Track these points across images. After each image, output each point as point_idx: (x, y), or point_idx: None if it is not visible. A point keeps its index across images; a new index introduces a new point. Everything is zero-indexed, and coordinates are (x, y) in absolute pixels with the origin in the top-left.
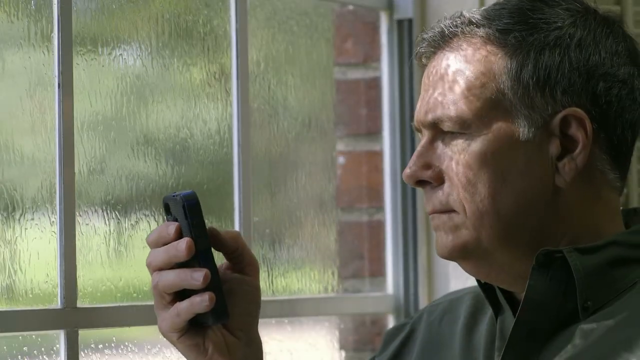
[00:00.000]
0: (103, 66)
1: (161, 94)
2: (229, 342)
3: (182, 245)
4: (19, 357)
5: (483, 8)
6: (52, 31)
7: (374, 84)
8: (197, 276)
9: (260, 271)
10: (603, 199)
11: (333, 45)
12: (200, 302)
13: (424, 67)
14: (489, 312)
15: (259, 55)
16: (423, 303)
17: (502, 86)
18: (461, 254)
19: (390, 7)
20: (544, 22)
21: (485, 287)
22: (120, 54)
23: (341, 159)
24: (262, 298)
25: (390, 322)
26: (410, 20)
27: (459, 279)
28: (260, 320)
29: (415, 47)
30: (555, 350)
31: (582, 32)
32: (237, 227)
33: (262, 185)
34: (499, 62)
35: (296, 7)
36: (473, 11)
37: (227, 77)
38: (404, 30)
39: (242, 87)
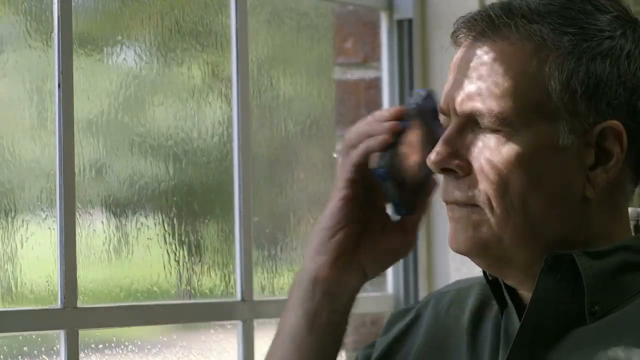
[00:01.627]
0: (103, 66)
1: (161, 94)
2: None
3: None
4: (19, 357)
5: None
6: (52, 31)
7: (374, 84)
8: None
9: (260, 271)
10: (619, 211)
11: (333, 45)
12: (375, 139)
13: (457, 47)
14: (495, 306)
15: (259, 55)
16: None
17: (549, 89)
18: (480, 251)
19: (390, 7)
20: (597, 29)
21: (492, 281)
22: (120, 54)
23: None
24: (262, 298)
25: None
26: (410, 20)
27: (459, 278)
28: (260, 321)
29: (456, 26)
30: (560, 353)
31: (631, 45)
32: (237, 227)
33: (262, 185)
34: (551, 64)
35: (296, 7)
36: (518, 2)
37: (227, 77)
38: (404, 30)
39: (242, 87)
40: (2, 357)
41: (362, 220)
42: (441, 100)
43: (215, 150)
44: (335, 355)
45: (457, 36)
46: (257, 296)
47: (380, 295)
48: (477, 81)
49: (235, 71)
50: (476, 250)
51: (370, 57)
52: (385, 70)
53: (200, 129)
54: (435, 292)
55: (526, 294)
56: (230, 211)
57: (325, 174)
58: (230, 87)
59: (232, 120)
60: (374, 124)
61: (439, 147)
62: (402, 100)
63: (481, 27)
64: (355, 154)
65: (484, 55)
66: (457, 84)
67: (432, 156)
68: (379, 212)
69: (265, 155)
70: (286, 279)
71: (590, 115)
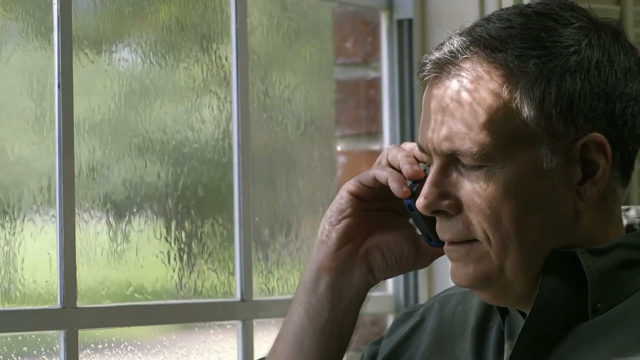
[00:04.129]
0: (103, 66)
1: (161, 94)
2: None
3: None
4: (19, 357)
5: (486, 23)
6: (52, 31)
7: (374, 84)
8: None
9: (260, 271)
10: (611, 214)
11: (333, 45)
12: (396, 183)
13: (425, 85)
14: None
15: (259, 55)
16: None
17: (524, 116)
18: (483, 284)
19: (390, 7)
20: (562, 46)
21: None
22: (120, 54)
23: (341, 159)
24: (262, 298)
25: (390, 322)
26: (410, 20)
27: None
28: (260, 321)
29: (420, 67)
30: (563, 352)
31: (598, 53)
32: (237, 227)
33: (262, 185)
34: (521, 91)
35: (296, 7)
36: (478, 30)
37: (227, 77)
38: (404, 30)
39: (242, 87)
40: (2, 357)
41: (370, 215)
42: (418, 139)
43: (215, 151)
44: (340, 356)
45: (424, 76)
46: (256, 296)
47: (380, 296)
48: (451, 120)
49: (235, 71)
50: (479, 284)
51: (370, 57)
52: (385, 70)
53: (200, 129)
54: (439, 294)
55: (527, 306)
56: (230, 211)
57: (325, 174)
58: (230, 87)
59: (232, 120)
60: (410, 159)
61: (426, 191)
62: (402, 100)
63: (445, 65)
64: (382, 173)
65: (453, 92)
66: (431, 125)
67: (421, 200)
68: (392, 214)
69: (265, 155)
70: (286, 279)
71: (569, 133)
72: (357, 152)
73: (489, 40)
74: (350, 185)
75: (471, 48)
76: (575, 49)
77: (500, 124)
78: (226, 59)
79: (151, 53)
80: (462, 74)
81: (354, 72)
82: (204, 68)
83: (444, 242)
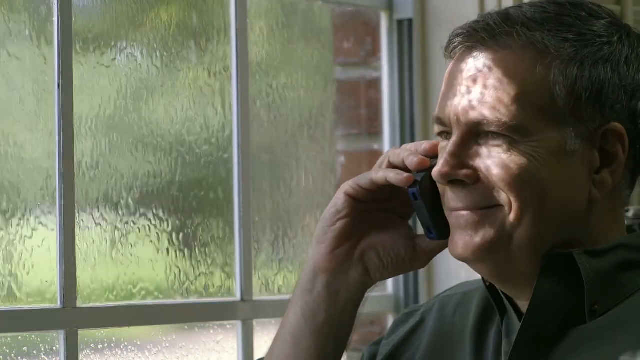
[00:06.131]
0: (103, 66)
1: (161, 94)
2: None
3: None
4: (19, 357)
5: (520, 8)
6: (52, 31)
7: (374, 84)
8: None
9: (260, 271)
10: (616, 214)
11: (333, 45)
12: (397, 175)
13: (451, 58)
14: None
15: (259, 55)
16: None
17: (555, 95)
18: (486, 254)
19: (390, 7)
20: (596, 34)
21: (490, 287)
22: (120, 54)
23: (341, 159)
24: (262, 298)
25: (390, 322)
26: (410, 20)
27: (459, 279)
28: (260, 321)
29: (452, 37)
30: (561, 353)
31: (628, 50)
32: (236, 227)
33: (262, 185)
34: (555, 71)
35: (296, 7)
36: (513, 11)
37: (227, 77)
38: (404, 30)
39: (242, 86)
40: (2, 357)
41: (366, 215)
42: (437, 110)
43: (215, 150)
44: (338, 357)
45: (455, 46)
46: (256, 296)
47: (380, 295)
48: (481, 90)
49: (235, 71)
50: (482, 253)
51: (370, 57)
52: (385, 70)
53: (200, 129)
54: (439, 295)
55: (524, 303)
56: (230, 211)
57: (325, 174)
58: (230, 86)
59: (232, 119)
60: (414, 152)
61: (445, 160)
62: (402, 100)
63: (481, 37)
64: (379, 174)
65: (486, 64)
66: (459, 94)
67: (439, 169)
68: (389, 214)
69: (265, 155)
70: (286, 279)
71: (595, 120)
72: (357, 152)
73: (526, 20)
74: (347, 186)
75: (508, 24)
76: (608, 40)
77: (532, 98)
78: (226, 58)
79: (151, 52)
80: (497, 47)
81: (354, 72)
82: (204, 68)
83: (445, 235)
